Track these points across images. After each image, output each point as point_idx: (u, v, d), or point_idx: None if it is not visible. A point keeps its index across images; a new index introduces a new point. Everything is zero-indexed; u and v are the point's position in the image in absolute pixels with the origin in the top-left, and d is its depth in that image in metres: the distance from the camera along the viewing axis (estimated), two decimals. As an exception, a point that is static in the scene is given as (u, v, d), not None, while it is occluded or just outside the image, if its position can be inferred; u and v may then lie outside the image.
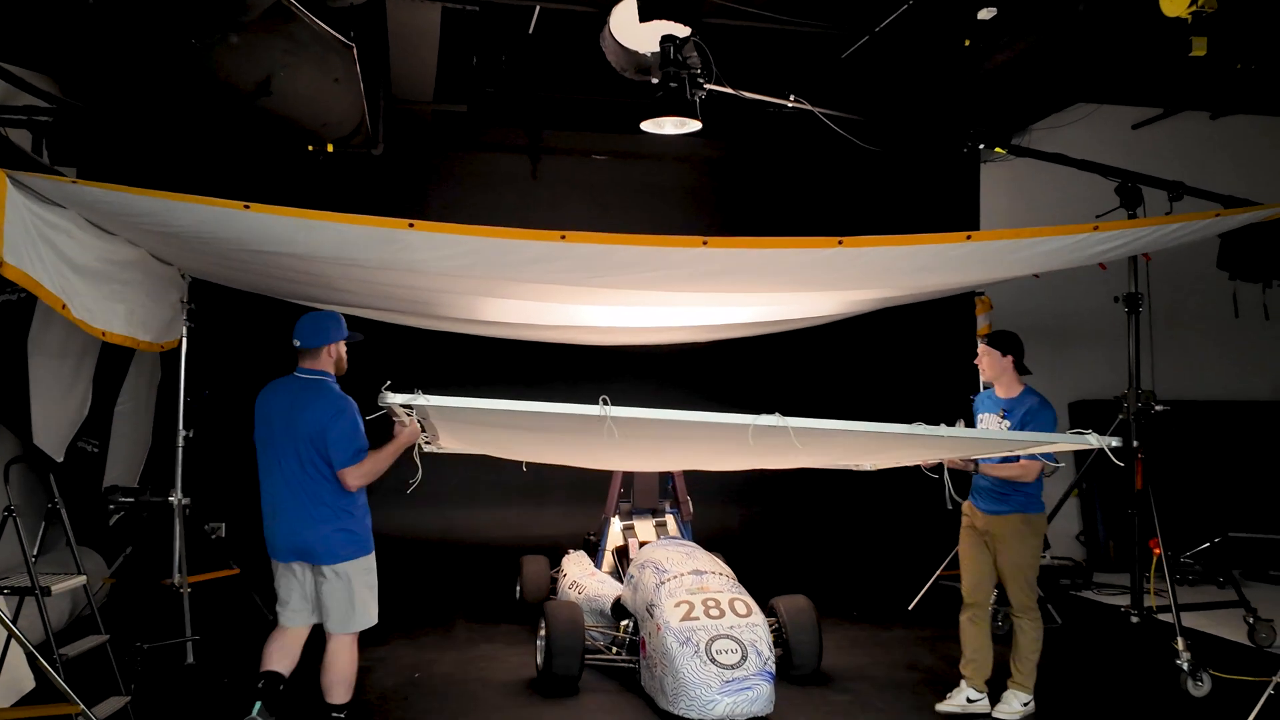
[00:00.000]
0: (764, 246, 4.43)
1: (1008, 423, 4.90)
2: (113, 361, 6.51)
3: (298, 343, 4.38)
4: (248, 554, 8.31)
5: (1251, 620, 6.16)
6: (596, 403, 3.51)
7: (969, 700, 4.93)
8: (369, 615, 4.35)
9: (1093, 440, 3.78)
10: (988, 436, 4.54)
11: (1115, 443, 3.76)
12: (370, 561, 4.37)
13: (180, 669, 5.56)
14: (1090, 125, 8.42)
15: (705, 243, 4.33)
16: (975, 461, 4.84)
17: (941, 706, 4.98)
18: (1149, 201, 5.91)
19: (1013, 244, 4.69)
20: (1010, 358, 4.97)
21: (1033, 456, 4.72)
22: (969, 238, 4.58)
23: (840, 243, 4.41)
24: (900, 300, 6.39)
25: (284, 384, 4.42)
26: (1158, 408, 5.99)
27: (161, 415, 7.33)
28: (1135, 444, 5.93)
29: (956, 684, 5.02)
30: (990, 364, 5.01)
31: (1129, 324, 6.09)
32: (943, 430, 4.00)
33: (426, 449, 4.42)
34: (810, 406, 8.00)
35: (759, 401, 8.46)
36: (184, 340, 6.01)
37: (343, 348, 4.45)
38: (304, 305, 6.12)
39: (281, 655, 4.37)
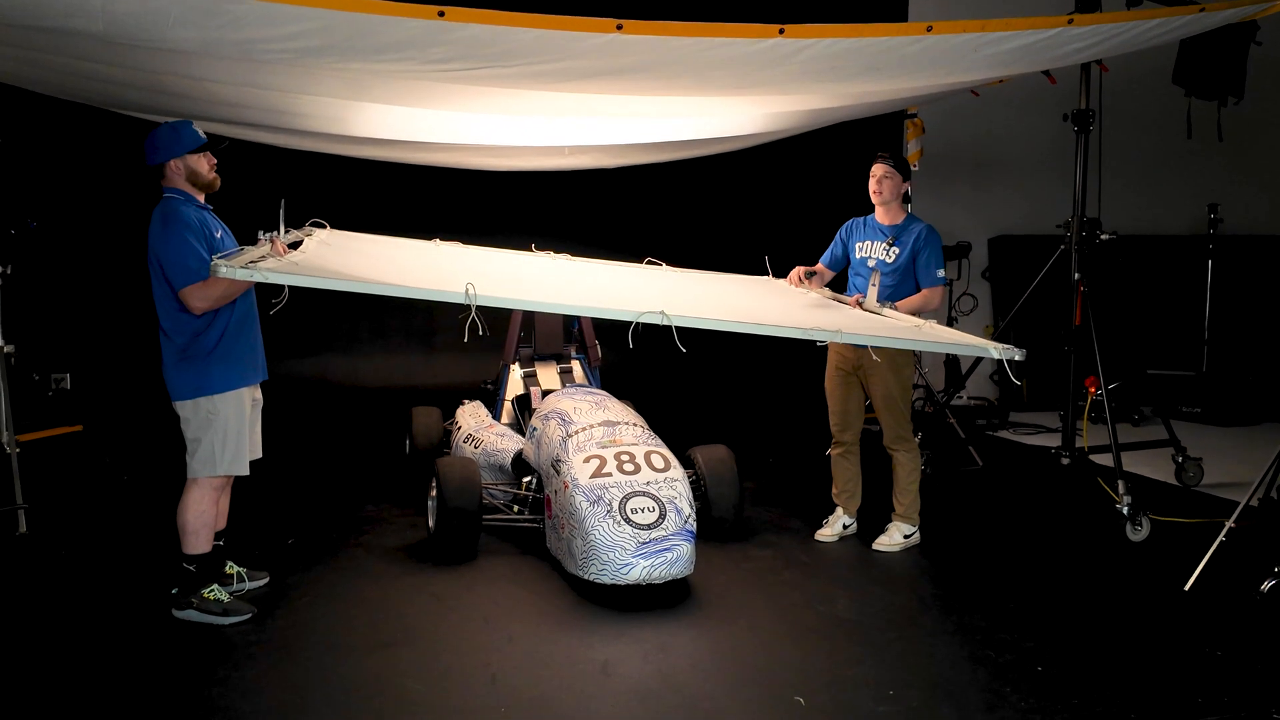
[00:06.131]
0: (691, 34, 3.65)
1: (897, 249, 4.74)
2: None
3: None
4: (97, 407, 7.49)
5: (1180, 459, 5.94)
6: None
7: (844, 527, 5.05)
8: (213, 464, 3.87)
9: (994, 352, 3.57)
10: (890, 334, 4.08)
11: (1019, 355, 3.51)
12: (216, 404, 3.84)
13: (10, 540, 4.87)
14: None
15: (620, 27, 3.53)
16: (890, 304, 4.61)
17: (820, 535, 5.02)
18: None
19: (977, 39, 4.01)
20: (906, 182, 4.82)
21: (937, 282, 4.67)
22: (930, 29, 3.88)
23: (781, 31, 3.68)
24: (831, 116, 5.70)
25: None
26: (1103, 236, 5.57)
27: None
28: (1076, 276, 5.55)
29: (832, 511, 5.09)
30: (893, 187, 4.75)
31: (1077, 144, 5.59)
32: (845, 331, 3.85)
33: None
34: (718, 236, 7.40)
35: (663, 233, 7.87)
36: (-11, 157, 5.15)
37: (193, 160, 3.82)
38: (144, 120, 5.18)
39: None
